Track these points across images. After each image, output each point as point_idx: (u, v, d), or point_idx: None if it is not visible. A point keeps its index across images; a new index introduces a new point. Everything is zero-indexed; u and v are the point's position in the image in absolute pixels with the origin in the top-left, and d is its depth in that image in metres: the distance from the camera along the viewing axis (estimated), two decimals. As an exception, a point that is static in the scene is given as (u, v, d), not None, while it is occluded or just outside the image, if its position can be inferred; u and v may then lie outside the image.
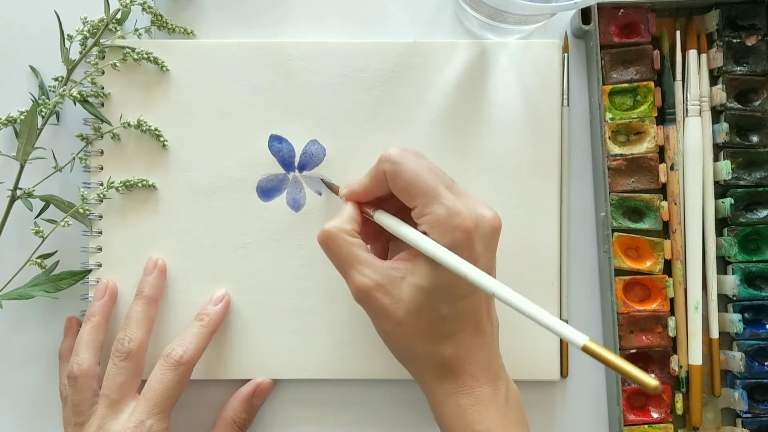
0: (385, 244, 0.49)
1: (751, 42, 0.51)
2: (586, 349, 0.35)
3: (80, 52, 0.52)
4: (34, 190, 0.52)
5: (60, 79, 0.53)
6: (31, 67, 0.54)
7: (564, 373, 0.52)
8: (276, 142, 0.53)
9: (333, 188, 0.51)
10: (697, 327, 0.51)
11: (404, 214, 0.44)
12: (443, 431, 0.44)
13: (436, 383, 0.44)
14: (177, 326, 0.52)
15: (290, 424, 0.54)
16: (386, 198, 0.45)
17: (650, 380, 0.34)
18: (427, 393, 0.45)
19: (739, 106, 0.52)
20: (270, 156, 0.53)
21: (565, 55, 0.53)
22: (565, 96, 0.53)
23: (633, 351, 0.51)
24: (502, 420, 0.42)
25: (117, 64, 0.52)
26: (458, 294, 0.42)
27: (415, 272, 0.42)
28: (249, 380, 0.52)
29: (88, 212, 0.52)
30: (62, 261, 0.53)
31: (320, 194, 0.53)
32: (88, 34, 0.52)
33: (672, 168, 0.52)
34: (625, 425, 0.51)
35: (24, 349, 0.54)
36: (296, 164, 0.53)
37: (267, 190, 0.53)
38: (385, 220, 0.45)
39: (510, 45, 0.53)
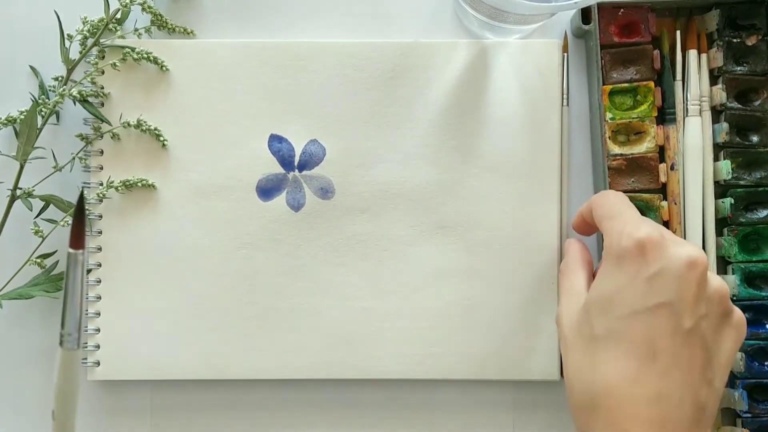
0: None
1: (751, 42, 0.51)
2: None
3: (80, 52, 0.52)
4: (33, 190, 0.52)
5: (60, 79, 0.53)
6: (31, 67, 0.54)
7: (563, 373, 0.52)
8: (276, 142, 0.52)
9: None
10: (697, 327, 0.51)
11: None
12: None
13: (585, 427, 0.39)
14: (175, 325, 0.52)
15: (289, 424, 0.54)
16: None
17: None
18: None
19: (739, 105, 0.52)
20: (270, 155, 0.53)
21: (565, 54, 0.53)
22: (565, 96, 0.53)
23: (633, 351, 0.51)
24: None
25: (117, 63, 0.52)
26: (618, 310, 0.39)
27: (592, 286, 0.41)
28: (249, 380, 0.52)
29: (87, 212, 0.52)
30: (63, 261, 0.53)
31: (320, 195, 0.53)
32: (88, 34, 0.52)
33: (672, 168, 0.52)
34: (625, 425, 0.50)
35: (24, 349, 0.54)
36: (296, 164, 0.53)
37: (267, 190, 0.52)
38: None
39: (510, 45, 0.53)
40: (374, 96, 0.52)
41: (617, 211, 0.42)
